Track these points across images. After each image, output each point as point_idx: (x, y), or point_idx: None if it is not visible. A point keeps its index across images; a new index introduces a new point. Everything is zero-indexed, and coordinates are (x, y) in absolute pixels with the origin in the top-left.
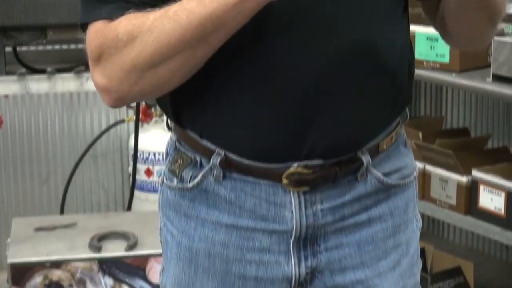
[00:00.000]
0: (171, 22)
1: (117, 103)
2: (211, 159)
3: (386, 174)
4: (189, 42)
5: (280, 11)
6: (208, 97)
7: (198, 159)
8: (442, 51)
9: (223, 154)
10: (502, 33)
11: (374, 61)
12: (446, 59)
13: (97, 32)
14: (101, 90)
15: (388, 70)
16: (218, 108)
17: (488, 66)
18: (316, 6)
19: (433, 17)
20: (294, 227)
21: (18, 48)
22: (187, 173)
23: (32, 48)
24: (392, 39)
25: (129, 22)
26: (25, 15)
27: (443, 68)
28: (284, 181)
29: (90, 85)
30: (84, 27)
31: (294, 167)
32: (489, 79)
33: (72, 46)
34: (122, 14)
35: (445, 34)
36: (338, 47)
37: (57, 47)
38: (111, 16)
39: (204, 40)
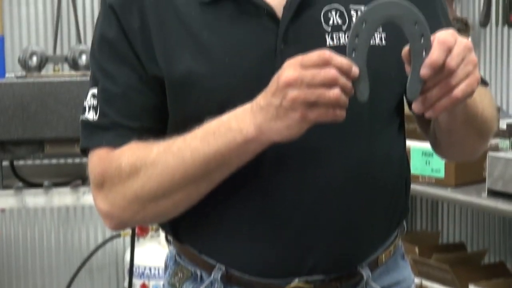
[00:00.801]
0: (175, 158)
1: (118, 228)
2: (212, 273)
3: None
4: (192, 178)
5: (279, 146)
6: (207, 215)
7: (198, 272)
8: (437, 166)
9: (224, 268)
10: (496, 148)
11: (372, 179)
12: (441, 174)
13: (100, 160)
14: (103, 215)
15: (386, 186)
16: (217, 226)
17: (483, 180)
18: (313, 139)
19: (426, 131)
20: None
21: (15, 162)
22: (187, 287)
23: (29, 162)
24: (389, 156)
25: (133, 153)
26: (23, 129)
27: (438, 183)
28: None
29: (86, 199)
30: (85, 152)
31: (295, 282)
32: (485, 194)
33: (69, 160)
34: (124, 142)
35: (437, 147)
36: (336, 173)
37: (54, 161)
38: (113, 144)
39: (207, 176)
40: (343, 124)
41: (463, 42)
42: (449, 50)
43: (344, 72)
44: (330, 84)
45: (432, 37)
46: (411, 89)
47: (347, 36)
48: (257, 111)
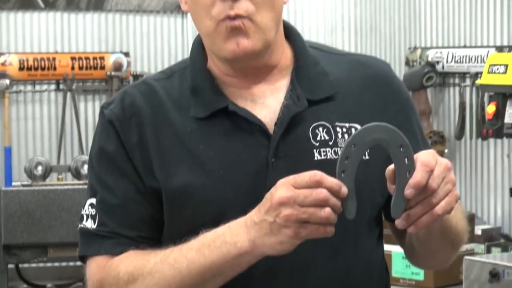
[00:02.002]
0: (171, 269)
1: None
2: None
3: None
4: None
5: (270, 259)
6: None
7: None
8: (417, 270)
9: None
10: (472, 253)
11: (356, 286)
12: (421, 277)
13: (98, 267)
14: None
15: None
16: None
17: (460, 283)
18: (302, 251)
19: (401, 241)
20: None
21: (20, 265)
22: None
23: (33, 265)
24: (371, 263)
25: (130, 262)
26: (28, 234)
27: (418, 285)
28: None
29: None
30: (83, 259)
31: None
32: None
33: (71, 264)
34: (122, 250)
35: (412, 257)
36: (323, 283)
37: (56, 264)
38: (112, 252)
39: (201, 286)
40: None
41: (443, 163)
42: (431, 171)
43: (334, 192)
44: (321, 204)
45: (414, 157)
46: (395, 208)
47: (334, 151)
48: (251, 226)
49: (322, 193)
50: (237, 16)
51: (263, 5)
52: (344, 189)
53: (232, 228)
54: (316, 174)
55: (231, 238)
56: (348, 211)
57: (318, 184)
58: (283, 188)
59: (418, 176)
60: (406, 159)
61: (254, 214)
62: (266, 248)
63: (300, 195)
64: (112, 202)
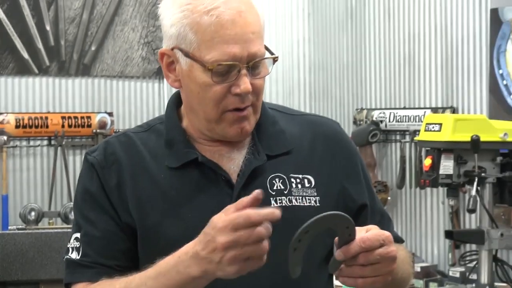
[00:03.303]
0: None
1: None
2: None
3: None
4: None
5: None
6: None
7: None
8: None
9: None
10: (412, 287)
11: None
12: None
13: None
14: None
15: None
16: None
17: None
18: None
19: None
20: None
21: None
22: None
23: None
24: None
25: None
26: (22, 272)
27: None
28: None
29: None
30: (68, 285)
31: None
32: None
33: None
34: (100, 278)
35: None
36: None
37: None
38: (92, 280)
39: None
40: (284, 273)
41: (389, 249)
42: (365, 248)
43: (270, 219)
44: (261, 240)
45: (363, 231)
46: (332, 265)
47: (288, 199)
48: (200, 260)
49: (261, 232)
50: (245, 107)
51: (260, 93)
52: (277, 213)
53: (182, 259)
54: (250, 215)
55: (184, 269)
56: (295, 274)
57: (254, 224)
58: (226, 233)
59: (350, 247)
60: (349, 235)
61: (200, 249)
62: (217, 275)
63: (241, 237)
64: (95, 234)
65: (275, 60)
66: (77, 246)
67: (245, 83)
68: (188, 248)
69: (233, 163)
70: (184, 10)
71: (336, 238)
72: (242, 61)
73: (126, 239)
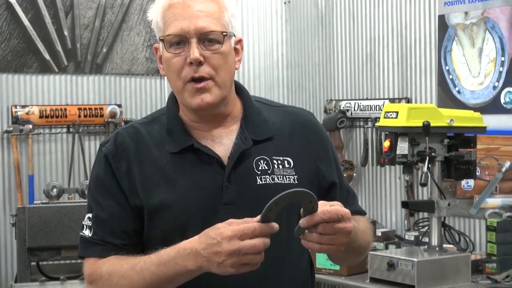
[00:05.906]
0: (137, 276)
1: None
2: None
3: None
4: None
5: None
6: None
7: None
8: None
9: None
10: (374, 249)
11: (288, 282)
12: (337, 267)
13: (90, 266)
14: None
15: (298, 283)
16: None
17: (366, 271)
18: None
19: None
20: None
21: (40, 263)
22: None
23: (50, 262)
24: (298, 261)
25: (110, 265)
26: (46, 239)
27: (335, 273)
28: None
29: None
30: (82, 258)
31: None
32: (368, 280)
33: (79, 261)
34: (108, 254)
35: (330, 259)
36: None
37: (68, 261)
38: (100, 256)
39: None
40: (269, 258)
41: (343, 224)
42: (324, 219)
43: (271, 233)
44: (260, 252)
45: (327, 206)
46: (297, 231)
47: (271, 178)
48: (199, 258)
49: (261, 245)
50: (201, 78)
51: (221, 70)
52: (276, 227)
53: (182, 254)
54: (255, 229)
55: (181, 262)
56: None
57: (258, 236)
58: (232, 242)
59: (313, 217)
60: (312, 208)
61: (202, 249)
62: (213, 271)
63: (244, 248)
64: (103, 217)
65: (224, 35)
66: (89, 225)
67: (193, 53)
68: (186, 244)
69: (224, 147)
70: (158, 6)
71: (301, 210)
72: (190, 33)
73: (131, 221)
